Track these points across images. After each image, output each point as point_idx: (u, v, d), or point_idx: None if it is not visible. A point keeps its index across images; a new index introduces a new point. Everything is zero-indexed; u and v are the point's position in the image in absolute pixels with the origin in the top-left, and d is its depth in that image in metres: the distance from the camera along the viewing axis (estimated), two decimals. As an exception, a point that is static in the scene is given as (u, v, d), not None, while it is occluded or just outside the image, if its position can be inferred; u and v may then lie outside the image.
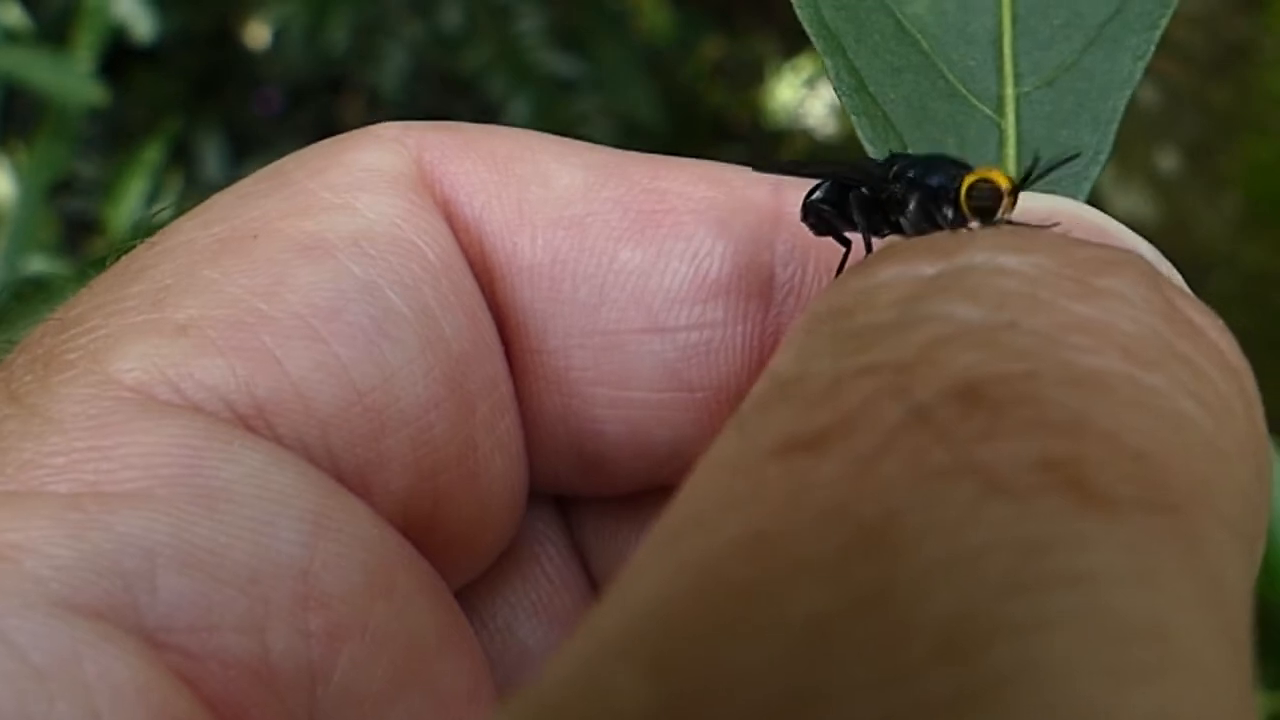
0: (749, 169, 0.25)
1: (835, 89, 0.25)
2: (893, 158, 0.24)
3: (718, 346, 0.25)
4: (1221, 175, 1.16)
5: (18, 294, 0.68)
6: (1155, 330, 0.17)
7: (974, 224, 0.22)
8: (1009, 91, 0.25)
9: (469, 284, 0.24)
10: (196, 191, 1.03)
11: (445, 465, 0.23)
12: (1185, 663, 0.13)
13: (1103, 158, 0.24)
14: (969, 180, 0.22)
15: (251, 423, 0.20)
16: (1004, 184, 0.22)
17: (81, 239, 1.00)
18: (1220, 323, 0.18)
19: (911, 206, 0.22)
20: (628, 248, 0.24)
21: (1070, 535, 0.14)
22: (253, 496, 0.20)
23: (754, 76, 1.26)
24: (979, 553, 0.14)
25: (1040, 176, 0.22)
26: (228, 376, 0.20)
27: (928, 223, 0.22)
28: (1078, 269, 0.18)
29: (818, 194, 0.24)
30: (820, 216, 0.24)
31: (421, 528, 0.22)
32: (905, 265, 0.18)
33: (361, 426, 0.21)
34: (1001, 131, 0.25)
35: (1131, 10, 0.25)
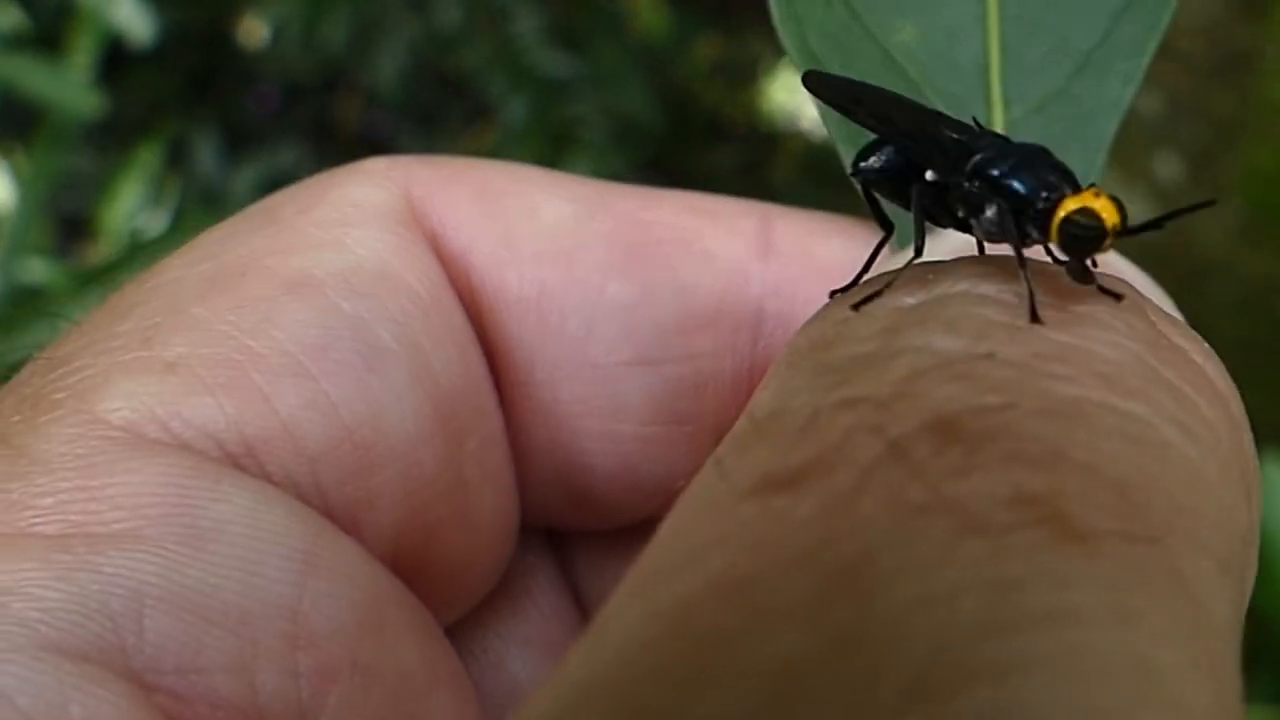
0: (808, 81, 0.23)
1: (821, 115, 0.24)
2: (979, 138, 0.21)
3: (706, 378, 0.24)
4: (1222, 183, 1.16)
5: (16, 301, 0.67)
6: (1138, 357, 0.17)
7: (1059, 254, 0.19)
8: (997, 118, 0.24)
9: (458, 318, 0.23)
10: (193, 190, 1.03)
11: (435, 500, 0.22)
12: (1165, 701, 0.13)
13: (1093, 181, 0.24)
14: (1070, 205, 0.19)
15: (240, 461, 0.20)
16: (1111, 220, 0.19)
17: (75, 238, 1.00)
18: (1207, 348, 0.18)
19: (989, 212, 0.20)
20: (615, 280, 0.24)
21: (1046, 573, 0.14)
22: (242, 536, 0.19)
23: (750, 77, 1.26)
24: (953, 592, 0.13)
25: (1159, 225, 0.19)
26: (216, 415, 0.20)
27: (1004, 234, 0.20)
28: (1059, 296, 0.18)
29: (874, 160, 0.22)
30: (870, 187, 0.22)
31: (412, 564, 0.22)
32: (888, 295, 0.18)
33: (351, 463, 0.21)
34: None
35: (1119, 37, 0.24)
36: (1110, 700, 0.12)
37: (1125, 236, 0.19)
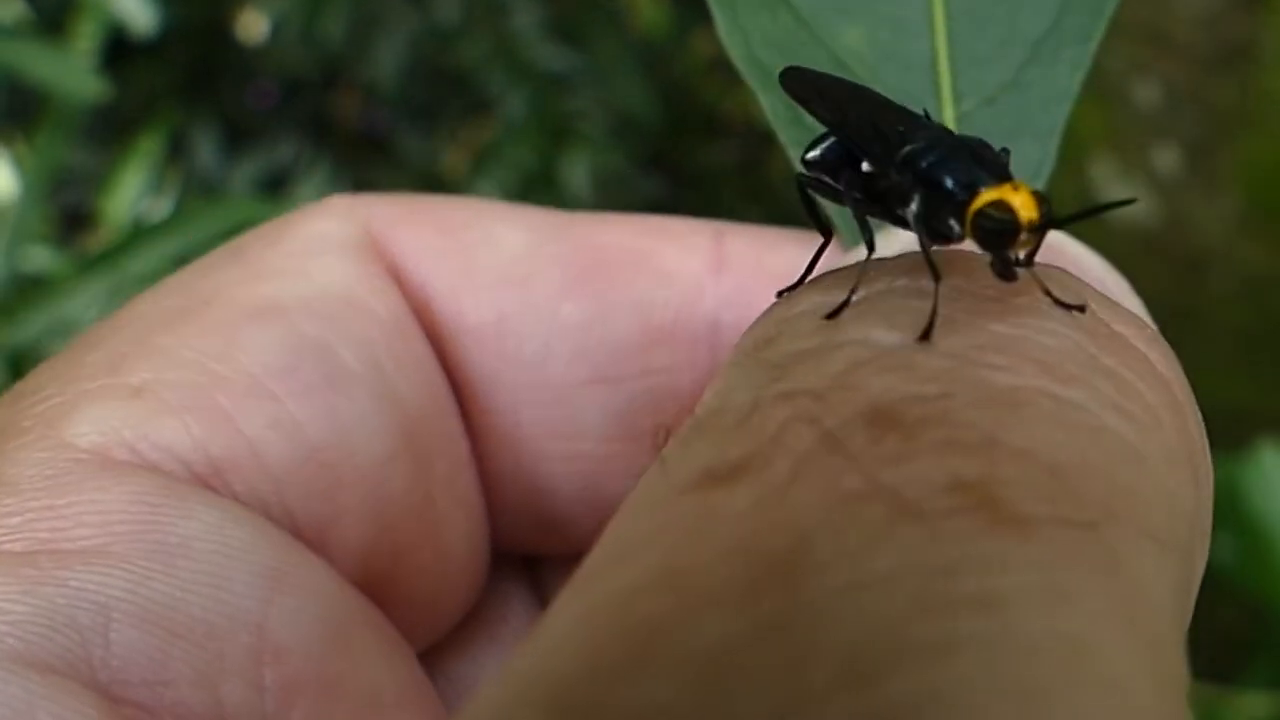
0: (784, 80, 0.22)
1: (771, 123, 0.24)
2: (919, 130, 0.20)
3: (664, 393, 0.25)
4: (1221, 174, 1.16)
5: (19, 288, 0.68)
6: (1077, 345, 0.17)
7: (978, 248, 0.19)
8: (949, 112, 0.24)
9: (421, 345, 0.24)
10: (192, 185, 1.03)
11: (402, 520, 0.23)
12: (1098, 679, 0.13)
13: (1046, 170, 0.24)
14: (986, 198, 0.18)
15: (208, 481, 0.21)
16: (1026, 215, 0.18)
17: (76, 231, 1.00)
18: (1151, 332, 0.18)
19: (915, 204, 0.19)
20: (570, 302, 0.24)
21: (980, 557, 0.14)
22: (209, 552, 0.20)
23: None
24: (886, 577, 0.13)
25: (1080, 219, 0.19)
26: (183, 436, 0.20)
27: (915, 226, 0.19)
28: (997, 288, 0.18)
29: (815, 153, 0.21)
30: (811, 184, 0.21)
31: (380, 583, 0.22)
32: (829, 293, 0.18)
33: (316, 482, 0.21)
34: None
35: (1066, 25, 0.24)
36: (1040, 680, 0.13)
37: (1049, 230, 0.19)
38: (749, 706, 0.12)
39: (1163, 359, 0.18)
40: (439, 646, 0.25)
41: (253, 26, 1.12)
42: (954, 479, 0.15)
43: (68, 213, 1.01)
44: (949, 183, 0.19)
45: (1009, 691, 0.12)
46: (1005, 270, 0.18)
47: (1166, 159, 1.14)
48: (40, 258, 0.76)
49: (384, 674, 0.21)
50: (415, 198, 0.26)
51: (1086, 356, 0.17)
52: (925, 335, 0.17)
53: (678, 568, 0.14)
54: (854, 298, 0.18)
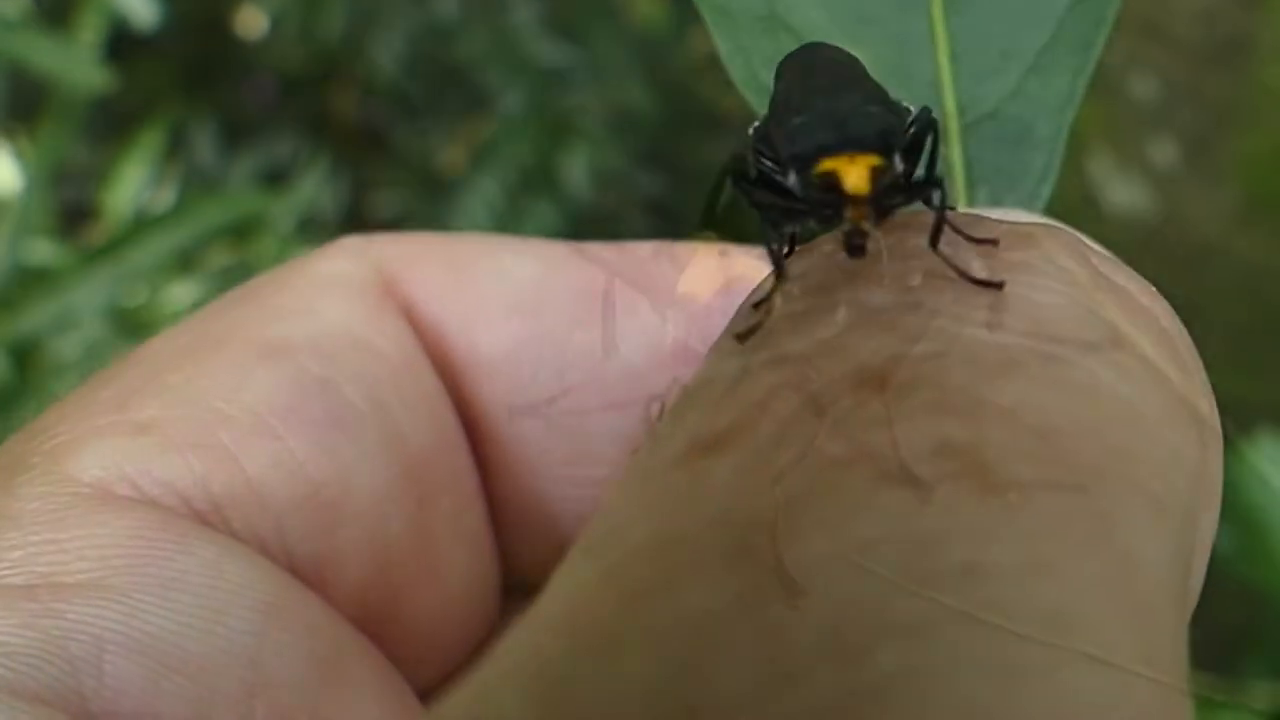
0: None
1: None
2: (818, 97, 0.20)
3: None
4: (1219, 168, 1.16)
5: (21, 281, 0.68)
6: (1073, 300, 0.17)
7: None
8: (953, 125, 0.24)
9: (430, 382, 0.24)
10: (192, 180, 1.03)
11: (402, 559, 0.23)
12: (1081, 655, 0.13)
13: (1052, 175, 0.24)
14: (822, 166, 0.18)
15: (207, 517, 0.21)
16: (854, 185, 0.18)
17: (77, 226, 1.00)
18: (1152, 289, 0.18)
19: (791, 180, 0.19)
20: (581, 330, 0.25)
21: (965, 526, 0.14)
22: (205, 586, 0.20)
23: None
24: (868, 547, 0.13)
25: (918, 197, 0.19)
26: (184, 473, 0.21)
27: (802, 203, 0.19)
28: (994, 245, 0.18)
29: (752, 129, 0.21)
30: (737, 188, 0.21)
31: (379, 620, 0.23)
32: (822, 255, 0.18)
33: (316, 520, 0.22)
34: (949, 164, 0.25)
35: (1067, 34, 0.25)
36: (1022, 656, 0.12)
37: (885, 205, 0.18)
38: (728, 681, 0.12)
39: (1166, 315, 0.18)
40: (449, 680, 0.25)
41: (252, 22, 1.12)
42: (941, 443, 0.14)
43: (69, 206, 1.01)
44: (786, 153, 0.19)
45: (991, 667, 0.12)
46: (850, 244, 0.18)
47: (1164, 152, 1.14)
48: (42, 250, 0.76)
49: (378, 711, 0.22)
50: (426, 236, 0.26)
51: (1082, 312, 0.17)
52: (909, 296, 0.17)
53: (663, 540, 0.14)
54: (842, 260, 0.18)
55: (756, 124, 0.21)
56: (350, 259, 0.25)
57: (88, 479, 0.21)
